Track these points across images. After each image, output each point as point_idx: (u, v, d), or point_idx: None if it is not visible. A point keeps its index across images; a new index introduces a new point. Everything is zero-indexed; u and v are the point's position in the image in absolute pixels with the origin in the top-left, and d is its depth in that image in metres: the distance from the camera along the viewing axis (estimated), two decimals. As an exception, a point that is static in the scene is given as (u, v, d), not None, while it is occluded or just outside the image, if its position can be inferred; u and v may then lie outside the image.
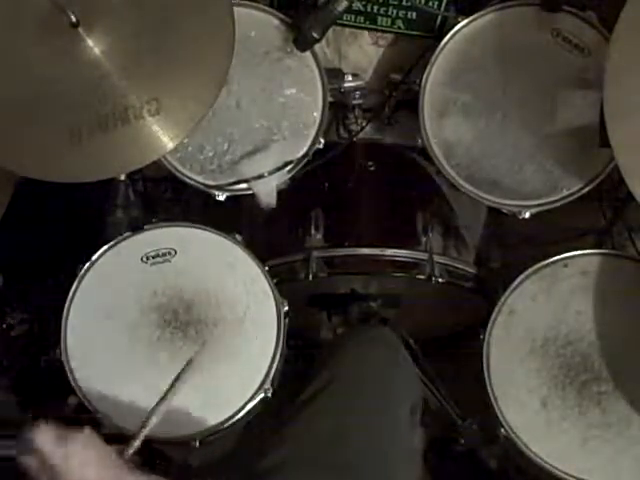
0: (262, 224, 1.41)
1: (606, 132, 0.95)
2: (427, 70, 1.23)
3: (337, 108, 1.42)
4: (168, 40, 1.01)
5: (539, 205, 1.20)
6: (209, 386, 1.11)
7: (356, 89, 1.37)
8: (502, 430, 1.13)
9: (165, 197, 1.72)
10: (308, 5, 1.21)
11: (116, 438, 1.01)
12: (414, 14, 1.29)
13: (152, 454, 1.17)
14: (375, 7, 1.30)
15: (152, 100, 0.98)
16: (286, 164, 1.23)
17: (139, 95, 0.98)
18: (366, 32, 1.40)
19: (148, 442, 1.08)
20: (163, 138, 1.00)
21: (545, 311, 1.19)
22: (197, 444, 1.09)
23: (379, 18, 1.32)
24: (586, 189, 1.18)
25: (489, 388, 1.15)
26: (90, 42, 0.98)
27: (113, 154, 1.00)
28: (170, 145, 1.00)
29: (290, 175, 1.23)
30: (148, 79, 1.00)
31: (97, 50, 0.98)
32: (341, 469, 0.96)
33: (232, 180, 1.23)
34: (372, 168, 1.40)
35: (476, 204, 1.25)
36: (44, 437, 0.74)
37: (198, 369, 1.09)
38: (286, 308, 1.17)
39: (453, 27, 1.23)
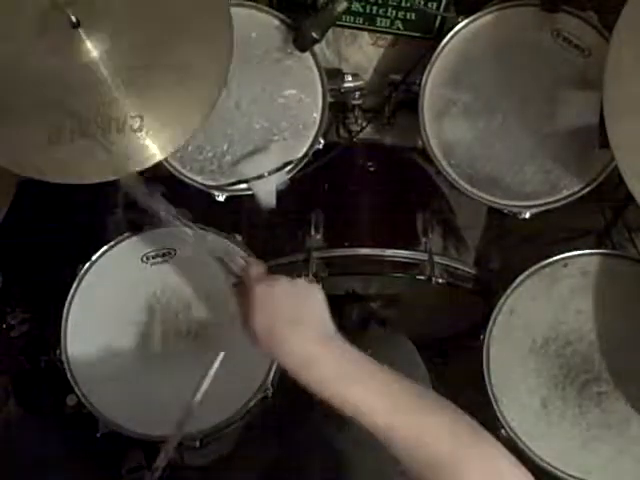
0: (262, 224, 1.41)
1: (606, 132, 0.95)
2: (427, 70, 1.23)
3: (337, 108, 1.42)
4: (166, 50, 0.98)
5: (539, 205, 1.20)
6: (209, 386, 1.11)
7: (356, 89, 1.37)
8: (502, 430, 1.13)
9: (165, 197, 1.71)
10: (308, 6, 1.21)
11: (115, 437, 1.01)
12: (413, 15, 1.29)
13: (151, 454, 1.17)
14: (374, 8, 1.30)
15: (137, 117, 0.95)
16: (286, 164, 1.23)
17: (126, 108, 0.95)
18: (366, 32, 1.40)
19: (148, 443, 1.09)
20: (151, 149, 0.97)
21: (545, 311, 1.19)
22: (197, 444, 1.09)
23: (378, 19, 1.32)
24: (586, 189, 1.18)
25: (489, 388, 1.15)
26: (90, 43, 0.98)
27: (91, 160, 0.96)
28: (159, 156, 0.98)
29: (290, 175, 1.23)
30: (138, 94, 0.97)
31: (97, 52, 0.98)
32: None
33: (232, 180, 1.23)
34: (372, 168, 1.41)
35: (476, 204, 1.25)
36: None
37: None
38: (286, 308, 1.17)
39: (453, 27, 1.23)
